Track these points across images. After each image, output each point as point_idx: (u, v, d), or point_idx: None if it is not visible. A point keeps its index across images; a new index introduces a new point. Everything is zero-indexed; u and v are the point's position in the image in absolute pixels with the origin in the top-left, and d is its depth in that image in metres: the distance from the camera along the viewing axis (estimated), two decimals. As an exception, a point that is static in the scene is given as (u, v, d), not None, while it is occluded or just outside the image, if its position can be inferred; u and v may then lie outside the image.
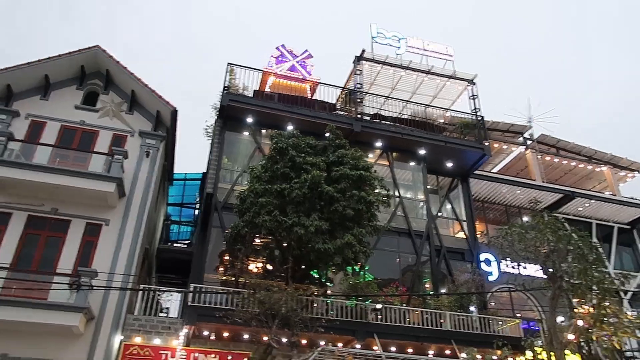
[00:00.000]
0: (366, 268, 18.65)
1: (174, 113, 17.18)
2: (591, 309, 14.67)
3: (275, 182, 13.25)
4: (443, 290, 18.04)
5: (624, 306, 22.03)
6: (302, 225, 12.32)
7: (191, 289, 13.13)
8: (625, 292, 22.32)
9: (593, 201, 23.09)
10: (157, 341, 14.38)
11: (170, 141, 18.59)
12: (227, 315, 11.52)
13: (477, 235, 20.48)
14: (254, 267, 14.89)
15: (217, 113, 18.09)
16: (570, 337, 14.45)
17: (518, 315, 20.42)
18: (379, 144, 19.11)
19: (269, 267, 14.47)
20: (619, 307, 21.86)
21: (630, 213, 24.03)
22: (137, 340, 14.26)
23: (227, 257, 14.33)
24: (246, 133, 18.19)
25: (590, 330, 13.93)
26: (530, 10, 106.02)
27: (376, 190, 14.55)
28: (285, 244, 12.91)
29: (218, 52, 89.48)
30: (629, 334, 14.06)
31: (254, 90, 18.89)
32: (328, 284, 16.27)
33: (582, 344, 18.35)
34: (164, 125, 17.75)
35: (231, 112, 17.66)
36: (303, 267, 13.68)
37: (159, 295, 15.23)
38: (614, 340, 14.13)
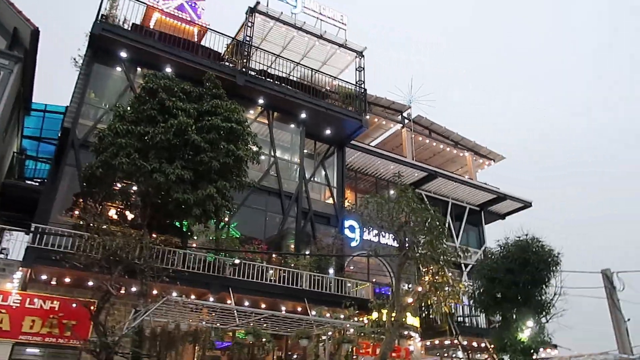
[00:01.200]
0: (233, 225, 18.70)
1: (35, 33, 15.28)
2: (431, 277, 16.22)
3: (141, 124, 12.45)
4: (306, 252, 18.66)
5: (464, 278, 24.78)
6: (162, 172, 11.78)
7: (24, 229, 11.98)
8: (466, 266, 25.01)
9: (451, 182, 25.24)
10: (-13, 283, 13.10)
11: (30, 66, 16.58)
12: (66, 259, 10.73)
13: (346, 203, 21.42)
14: (112, 213, 14.02)
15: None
16: (409, 300, 15.89)
17: (374, 280, 21.97)
18: (261, 101, 18.83)
19: (128, 214, 13.71)
20: (456, 277, 24.59)
21: (481, 197, 26.74)
22: (-39, 281, 12.87)
23: (80, 200, 13.27)
24: (119, 69, 16.78)
25: (426, 295, 15.38)
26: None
27: (248, 146, 14.38)
28: (144, 191, 12.27)
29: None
30: (456, 300, 15.78)
31: (133, 24, 17.37)
32: (194, 236, 15.92)
33: (423, 308, 20.45)
34: (22, 46, 15.73)
35: (104, 43, 16.09)
36: (164, 217, 13.16)
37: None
38: (445, 305, 15.77)
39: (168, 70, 16.45)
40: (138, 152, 12.10)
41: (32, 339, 13.26)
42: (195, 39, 19.61)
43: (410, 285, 19.07)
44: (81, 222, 11.71)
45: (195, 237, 15.94)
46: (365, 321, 16.80)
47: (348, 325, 13.37)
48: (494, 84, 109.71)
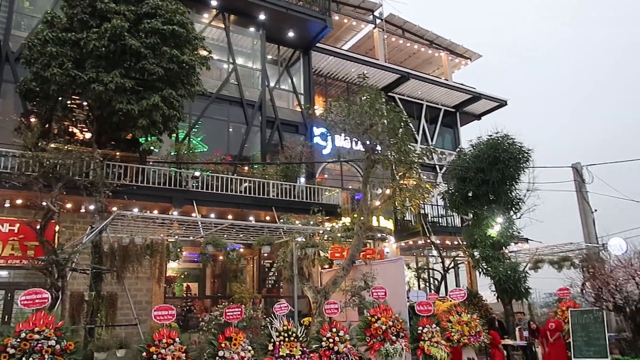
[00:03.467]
0: (199, 138, 18.11)
1: None
2: (399, 180, 16.10)
3: (73, 31, 11.35)
4: (271, 161, 18.29)
5: (439, 180, 24.90)
6: (100, 81, 10.93)
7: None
8: (440, 168, 25.02)
9: (425, 84, 24.46)
10: None
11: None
12: (3, 179, 10.21)
13: (315, 109, 20.76)
14: (57, 129, 13.26)
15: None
16: (377, 203, 15.87)
17: (349, 187, 21.93)
18: (214, 2, 17.39)
19: (76, 130, 13.00)
20: (431, 179, 24.68)
21: (456, 97, 26.11)
22: None
23: (21, 119, 12.46)
24: (51, -29, 15.18)
25: (393, 198, 15.31)
26: None
27: (201, 52, 13.40)
28: (85, 104, 11.50)
29: None
30: (423, 200, 15.78)
31: None
32: (155, 150, 15.35)
33: (397, 210, 20.61)
34: None
35: (27, -60, 14.41)
36: (112, 131, 12.49)
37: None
38: (412, 206, 15.79)
39: (107, -29, 14.87)
40: (73, 62, 11.15)
41: (-5, 262, 13.19)
42: None
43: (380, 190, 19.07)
44: (24, 142, 10.99)
45: (156, 150, 15.43)
46: (333, 226, 16.93)
47: (311, 230, 13.30)
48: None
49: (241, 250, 15.93)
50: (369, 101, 14.61)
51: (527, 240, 22.93)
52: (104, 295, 11.27)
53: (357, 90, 23.80)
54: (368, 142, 14.99)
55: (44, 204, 9.68)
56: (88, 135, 12.97)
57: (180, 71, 12.17)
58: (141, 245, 10.73)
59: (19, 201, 12.33)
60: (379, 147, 15.41)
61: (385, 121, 14.88)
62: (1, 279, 13.40)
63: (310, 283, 14.34)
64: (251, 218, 15.74)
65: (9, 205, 12.84)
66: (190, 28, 12.49)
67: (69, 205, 13.14)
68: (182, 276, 17.78)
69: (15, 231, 13.39)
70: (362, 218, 14.80)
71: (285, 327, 9.40)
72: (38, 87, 11.31)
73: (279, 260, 14.83)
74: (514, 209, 19.27)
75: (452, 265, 21.60)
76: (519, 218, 19.55)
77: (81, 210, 13.81)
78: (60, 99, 11.52)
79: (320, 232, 15.24)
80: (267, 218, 15.98)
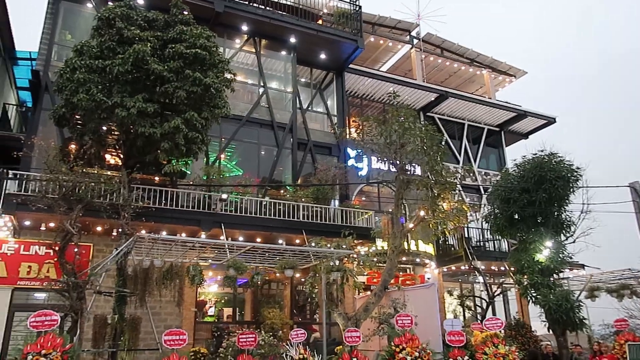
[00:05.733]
0: (234, 162, 18.19)
1: (-6, -25, 14.52)
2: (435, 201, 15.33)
3: (100, 58, 11.70)
4: (301, 184, 18.02)
5: (483, 202, 23.73)
6: (124, 106, 11.13)
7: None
8: (485, 189, 23.84)
9: (465, 102, 23.63)
10: (-24, 233, 13.24)
11: (2, 11, 15.96)
12: (27, 201, 10.49)
13: (347, 131, 20.44)
14: (89, 154, 13.63)
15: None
16: (410, 226, 15.16)
17: (390, 210, 21.28)
18: (245, 27, 17.65)
19: (104, 154, 13.31)
20: (475, 201, 23.57)
21: (500, 116, 25.04)
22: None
23: (51, 142, 12.87)
24: (89, 5, 15.93)
25: (425, 220, 14.58)
26: None
27: (226, 75, 13.47)
28: (107, 128, 11.75)
29: None
30: (457, 222, 14.93)
31: (97, -46, 16.29)
32: (186, 171, 15.49)
33: (434, 234, 19.72)
34: (-14, -10, 15.06)
35: (67, -23, 15.22)
36: (138, 154, 12.66)
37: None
38: (447, 229, 14.97)
39: (140, 1, 15.46)
40: (101, 88, 11.45)
41: (31, 284, 13.53)
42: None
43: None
44: (46, 165, 11.25)
45: (188, 172, 15.58)
46: (367, 250, 16.32)
47: (337, 254, 12.79)
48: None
49: (277, 274, 15.64)
50: (398, 120, 14.13)
51: (583, 266, 21.27)
52: (127, 318, 11.21)
53: (387, 109, 23.60)
54: (398, 162, 14.46)
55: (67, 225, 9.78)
56: (118, 159, 13.22)
57: (204, 94, 12.23)
58: (160, 269, 10.62)
59: (52, 224, 12.64)
60: (411, 168, 14.86)
61: (417, 140, 14.32)
62: (37, 301, 13.70)
63: (340, 309, 13.77)
64: (281, 241, 15.44)
65: (44, 228, 13.21)
66: (214, 51, 12.59)
67: (99, 229, 13.37)
68: (222, 301, 17.66)
69: (52, 254, 13.75)
70: (394, 242, 14.16)
71: (301, 356, 8.92)
72: (68, 113, 11.68)
73: (307, 286, 14.39)
74: (564, 232, 17.90)
75: (498, 292, 20.26)
76: (573, 242, 18.15)
77: (113, 234, 14.02)
78: (88, 124, 11.81)
79: (350, 255, 14.70)
80: (297, 241, 15.62)
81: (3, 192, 12.53)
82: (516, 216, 18.05)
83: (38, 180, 11.28)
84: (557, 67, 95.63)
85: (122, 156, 12.64)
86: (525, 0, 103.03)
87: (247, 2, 17.77)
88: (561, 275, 17.86)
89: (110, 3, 15.94)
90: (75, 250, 12.86)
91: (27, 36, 18.25)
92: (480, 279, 20.81)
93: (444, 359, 9.88)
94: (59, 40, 15.39)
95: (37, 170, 13.35)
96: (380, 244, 16.93)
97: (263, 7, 18.09)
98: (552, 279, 16.97)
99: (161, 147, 11.48)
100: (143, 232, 13.37)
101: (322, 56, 19.23)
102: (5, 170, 11.99)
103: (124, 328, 11.12)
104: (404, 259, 18.64)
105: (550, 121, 25.65)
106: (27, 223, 12.94)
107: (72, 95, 11.29)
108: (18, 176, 12.32)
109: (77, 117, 11.68)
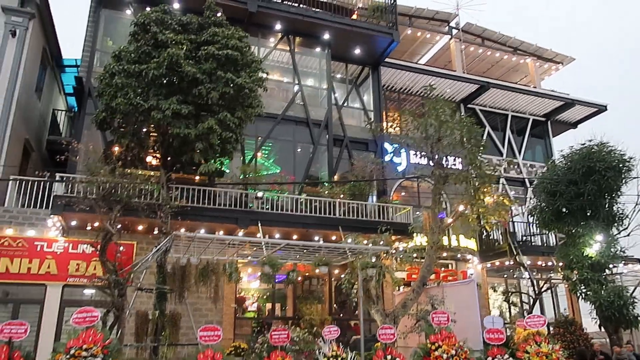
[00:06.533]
0: (271, 160, 18.38)
1: (40, -15, 15.26)
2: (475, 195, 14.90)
3: (137, 63, 12.08)
4: (337, 180, 17.95)
5: (529, 195, 22.88)
6: (159, 109, 11.45)
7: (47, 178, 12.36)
8: (531, 182, 22.97)
9: (508, 92, 22.83)
10: (31, 233, 13.98)
11: (48, 21, 16.77)
12: (71, 202, 10.98)
13: (387, 125, 20.19)
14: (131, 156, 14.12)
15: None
16: (449, 221, 14.81)
17: (427, 205, 20.89)
18: (278, 26, 17.76)
19: (145, 155, 13.74)
20: (519, 194, 22.75)
21: (546, 105, 24.04)
22: (9, 232, 13.80)
23: (90, 146, 13.43)
24: (128, 12, 16.47)
25: (464, 214, 14.21)
26: None
27: (259, 74, 13.59)
28: (146, 130, 12.13)
29: None
30: (498, 216, 14.46)
31: (135, -38, 16.81)
32: (224, 169, 15.77)
33: (477, 229, 19.21)
34: (33, 1, 15.84)
35: (107, -14, 15.80)
36: (175, 155, 13.00)
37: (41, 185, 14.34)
38: (487, 223, 14.53)
39: (176, 5, 15.87)
40: (138, 92, 11.83)
41: (79, 281, 14.20)
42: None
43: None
44: (86, 167, 11.74)
45: (227, 171, 15.86)
46: (406, 246, 16.08)
47: (372, 250, 12.67)
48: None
49: (317, 271, 15.71)
50: (434, 113, 13.83)
51: (638, 260, 20.15)
52: (167, 314, 11.54)
53: (421, 102, 23.12)
54: (435, 156, 14.16)
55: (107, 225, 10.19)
56: (157, 160, 13.63)
57: (237, 94, 12.39)
58: (196, 266, 10.87)
59: (96, 224, 13.19)
60: (450, 161, 14.52)
61: (455, 133, 13.97)
62: (85, 297, 14.36)
63: (378, 306, 13.65)
64: (317, 238, 15.46)
65: (90, 227, 13.79)
66: (246, 51, 12.72)
67: (140, 228, 13.84)
68: (264, 297, 17.91)
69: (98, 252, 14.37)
70: (433, 237, 13.89)
71: (334, 353, 8.89)
72: (108, 117, 12.14)
73: (344, 282, 14.35)
74: (616, 225, 16.99)
75: (545, 288, 19.48)
76: (627, 236, 17.21)
77: (154, 232, 14.46)
78: (127, 127, 12.24)
79: (388, 252, 14.54)
80: (334, 238, 15.60)
81: (52, 194, 13.20)
82: (564, 209, 17.30)
83: (79, 182, 11.80)
84: (609, 50, 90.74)
85: (160, 157, 13.00)
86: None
87: (280, 1, 17.87)
88: (614, 270, 17.00)
89: (147, 9, 16.54)
90: (121, 248, 13.53)
91: (74, 43, 18.98)
92: (526, 274, 20.11)
93: (483, 357, 9.56)
94: (100, 46, 16.03)
95: (82, 173, 13.97)
96: (420, 240, 16.65)
97: (296, 4, 18.14)
98: (603, 274, 16.17)
99: (196, 148, 11.73)
100: (182, 230, 13.75)
101: (357, 51, 19.07)
102: (51, 174, 12.59)
103: (165, 324, 11.44)
104: (444, 254, 18.27)
105: (601, 109, 24.37)
106: (74, 223, 13.56)
107: (111, 99, 11.73)
108: (64, 179, 12.90)
109: (117, 120, 12.11)
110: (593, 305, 15.82)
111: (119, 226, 11.85)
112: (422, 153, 14.38)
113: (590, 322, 18.14)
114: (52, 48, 17.86)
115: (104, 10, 16.26)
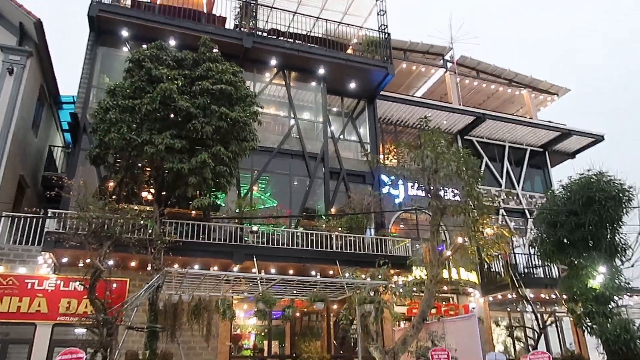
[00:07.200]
0: (268, 194, 18.25)
1: (39, 25, 15.48)
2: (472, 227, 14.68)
3: (131, 98, 12.12)
4: (334, 213, 17.76)
5: (530, 226, 22.62)
6: (152, 143, 11.41)
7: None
8: (531, 213, 22.75)
9: (504, 123, 22.91)
10: (22, 270, 13.71)
11: (45, 59, 16.96)
12: (60, 239, 10.79)
13: (384, 157, 20.16)
14: (125, 191, 14.02)
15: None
16: (448, 253, 14.54)
17: (426, 237, 20.62)
18: (274, 62, 17.95)
19: (138, 190, 13.64)
20: (520, 225, 22.50)
21: (543, 136, 24.08)
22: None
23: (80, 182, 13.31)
24: (125, 49, 16.68)
25: (464, 246, 13.95)
26: None
27: (254, 108, 13.64)
28: (140, 165, 12.05)
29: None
30: (497, 248, 14.20)
31: (132, 0, 17.16)
32: (220, 203, 15.62)
33: (476, 261, 18.88)
34: (31, 40, 16.07)
35: (104, 24, 16.02)
36: (168, 190, 12.89)
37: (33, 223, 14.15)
38: (486, 255, 14.26)
39: (172, 42, 16.08)
40: (131, 127, 11.83)
41: (70, 320, 13.79)
42: (204, 8, 19.03)
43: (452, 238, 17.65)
44: (76, 203, 11.61)
45: (222, 205, 15.68)
46: (405, 279, 15.75)
47: (369, 284, 12.38)
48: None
49: (315, 306, 15.33)
50: (431, 144, 13.78)
51: (644, 292, 19.73)
52: (158, 354, 11.17)
53: (418, 134, 23.17)
54: (432, 188, 14.03)
55: (98, 261, 9.96)
56: (151, 195, 13.50)
57: (231, 128, 12.38)
58: (189, 303, 10.58)
59: (88, 260, 12.94)
60: (447, 193, 14.35)
61: (451, 165, 13.87)
62: (76, 337, 13.91)
63: (377, 343, 13.23)
64: (314, 272, 15.17)
65: (82, 264, 13.54)
66: (240, 86, 12.79)
67: (133, 264, 13.58)
68: (262, 333, 17.42)
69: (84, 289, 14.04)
70: (432, 270, 13.59)
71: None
72: (102, 152, 12.09)
73: (342, 318, 13.97)
74: (619, 255, 16.68)
75: (549, 322, 18.99)
76: (631, 267, 16.87)
77: (148, 268, 14.19)
78: (120, 162, 12.17)
79: (388, 286, 14.21)
80: (331, 272, 15.29)
81: (44, 231, 13.01)
82: (565, 240, 17.02)
83: (69, 218, 11.64)
84: (605, 81, 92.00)
85: (154, 192, 12.88)
86: (557, 17, 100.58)
87: (275, 37, 18.14)
88: (619, 302, 16.59)
89: (144, 46, 16.79)
90: (114, 285, 13.22)
91: (72, 80, 19.19)
92: (529, 307, 19.65)
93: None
94: (97, 83, 16.15)
95: (74, 209, 13.80)
96: (419, 273, 16.33)
97: (291, 40, 18.40)
98: (608, 307, 15.76)
99: (189, 182, 11.62)
100: (176, 266, 13.50)
101: (353, 85, 19.23)
102: (44, 210, 12.45)
103: (155, 364, 11.06)
104: (445, 288, 17.91)
105: (598, 139, 24.40)
106: (65, 260, 13.31)
107: (105, 134, 11.71)
108: (56, 215, 12.74)
109: (111, 155, 12.06)
110: (599, 340, 15.36)
111: (111, 262, 11.66)
112: (419, 185, 14.23)
113: (597, 357, 17.61)
114: (49, 85, 18.01)
115: (101, 48, 16.48)
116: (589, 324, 15.53)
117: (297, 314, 16.74)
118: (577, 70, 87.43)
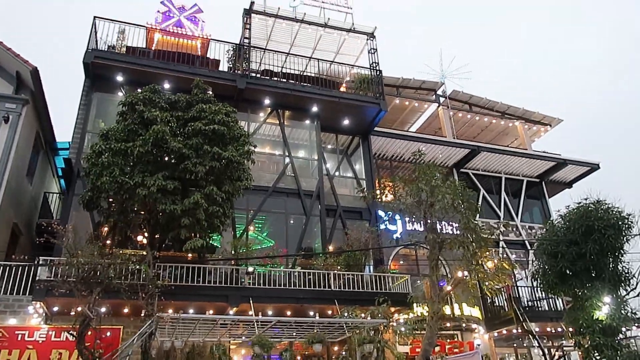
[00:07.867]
0: (264, 234, 18.06)
1: (35, 73, 15.67)
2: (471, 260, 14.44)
3: (123, 141, 12.14)
4: (331, 251, 17.52)
5: (531, 257, 22.32)
6: (144, 185, 11.34)
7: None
8: (531, 245, 22.50)
9: (498, 155, 22.98)
10: (12, 321, 13.34)
11: (42, 106, 17.11)
12: (51, 287, 10.55)
13: (380, 193, 20.06)
14: (115, 236, 13.86)
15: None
16: (448, 288, 14.26)
17: (426, 272, 20.28)
18: (267, 101, 18.14)
19: (131, 234, 13.47)
20: (521, 257, 22.20)
21: (538, 166, 24.11)
22: (-12, 321, 13.18)
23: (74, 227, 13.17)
24: (120, 93, 16.86)
25: (465, 279, 13.69)
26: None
27: (247, 148, 13.66)
28: (133, 208, 11.93)
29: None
30: (497, 281, 13.94)
31: (127, 47, 17.50)
32: (216, 245, 15.43)
33: (477, 295, 18.50)
34: (28, 88, 16.26)
35: (99, 70, 16.27)
36: (161, 232, 12.73)
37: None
38: (487, 289, 13.98)
39: (167, 85, 16.28)
40: (124, 169, 11.79)
41: (61, 372, 13.35)
42: (199, 52, 19.40)
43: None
44: (66, 249, 11.45)
45: (218, 246, 15.47)
46: (406, 317, 15.38)
47: (368, 324, 12.05)
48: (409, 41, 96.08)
49: (313, 349, 14.88)
50: (425, 178, 13.74)
51: (654, 323, 19.23)
52: (152, 405, 10.74)
53: (414, 169, 23.18)
54: (428, 222, 13.90)
55: (88, 310, 9.68)
56: (145, 238, 13.32)
57: (225, 168, 12.34)
58: (181, 350, 10.24)
59: (79, 308, 12.61)
60: (444, 226, 14.24)
61: (447, 198, 13.78)
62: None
63: (379, 385, 12.77)
64: (312, 313, 14.79)
65: (73, 313, 13.18)
66: (233, 125, 12.84)
67: (126, 310, 13.24)
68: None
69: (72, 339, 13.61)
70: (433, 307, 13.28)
71: None
72: (95, 196, 12.00)
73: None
74: (623, 285, 16.35)
75: (557, 357, 18.44)
76: (637, 296, 16.50)
77: (142, 315, 13.82)
78: (114, 205, 12.06)
79: (389, 324, 13.87)
80: (330, 312, 14.92)
81: (35, 279, 12.74)
82: (567, 271, 16.72)
83: (57, 265, 11.42)
84: (598, 111, 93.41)
85: (147, 235, 12.71)
86: (546, 51, 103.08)
87: (268, 77, 18.40)
88: (627, 334, 16.14)
89: (139, 90, 16.99)
90: (108, 334, 12.83)
91: (69, 126, 19.29)
92: (536, 342, 19.11)
93: None
94: (92, 128, 16.25)
95: (65, 256, 13.58)
96: (420, 310, 15.95)
97: (284, 80, 18.66)
98: (616, 339, 15.32)
99: (182, 223, 11.47)
100: (170, 311, 13.15)
101: (347, 122, 19.38)
102: (32, 258, 12.24)
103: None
104: (448, 324, 17.48)
105: (594, 167, 24.42)
106: (57, 309, 12.97)
107: (97, 178, 11.66)
108: (48, 262, 12.51)
109: (104, 199, 11.96)
110: (610, 374, 14.84)
111: (103, 310, 11.36)
112: (415, 219, 14.11)
113: (609, 393, 16.98)
114: (45, 132, 18.10)
115: (97, 94, 16.66)
116: (598, 357, 15.05)
117: (298, 358, 16.25)
118: (569, 100, 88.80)
